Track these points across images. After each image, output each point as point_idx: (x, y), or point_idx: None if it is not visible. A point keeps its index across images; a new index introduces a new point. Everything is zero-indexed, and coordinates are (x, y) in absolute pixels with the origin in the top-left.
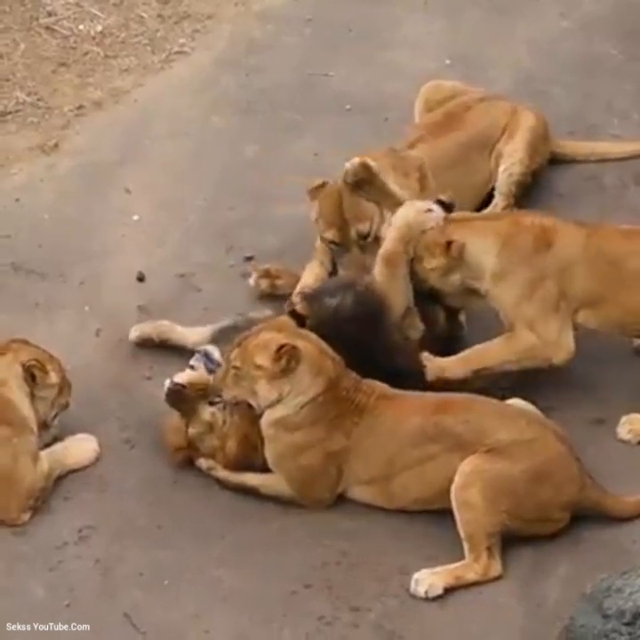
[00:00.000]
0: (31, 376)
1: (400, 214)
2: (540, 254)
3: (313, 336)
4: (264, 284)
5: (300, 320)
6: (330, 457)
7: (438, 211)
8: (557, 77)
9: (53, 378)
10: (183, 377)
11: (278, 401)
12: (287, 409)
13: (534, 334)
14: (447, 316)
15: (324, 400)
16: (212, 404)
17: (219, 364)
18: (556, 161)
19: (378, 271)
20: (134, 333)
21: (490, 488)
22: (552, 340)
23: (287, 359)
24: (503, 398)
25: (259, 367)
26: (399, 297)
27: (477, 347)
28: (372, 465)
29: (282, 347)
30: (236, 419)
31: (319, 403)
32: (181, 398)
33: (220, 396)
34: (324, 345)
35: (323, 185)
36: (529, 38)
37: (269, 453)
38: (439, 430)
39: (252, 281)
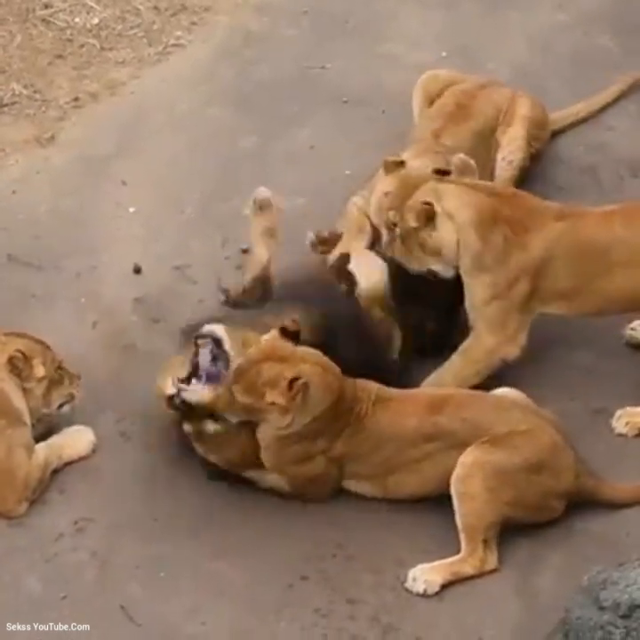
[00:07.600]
0: (15, 367)
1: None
2: (517, 252)
3: (312, 353)
4: (322, 250)
5: (293, 337)
6: (331, 461)
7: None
8: (554, 71)
9: (40, 371)
10: (191, 396)
11: (288, 424)
12: (293, 428)
13: (491, 336)
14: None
15: (328, 414)
16: (215, 420)
17: (226, 355)
18: (553, 151)
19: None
20: None
21: (491, 478)
22: (508, 339)
23: (302, 394)
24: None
25: (271, 404)
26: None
27: (433, 378)
28: (371, 465)
29: (292, 381)
30: (236, 427)
31: (323, 417)
32: (185, 410)
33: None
34: (324, 359)
35: (401, 163)
36: (526, 31)
37: (269, 461)
38: (436, 430)
39: (308, 242)
